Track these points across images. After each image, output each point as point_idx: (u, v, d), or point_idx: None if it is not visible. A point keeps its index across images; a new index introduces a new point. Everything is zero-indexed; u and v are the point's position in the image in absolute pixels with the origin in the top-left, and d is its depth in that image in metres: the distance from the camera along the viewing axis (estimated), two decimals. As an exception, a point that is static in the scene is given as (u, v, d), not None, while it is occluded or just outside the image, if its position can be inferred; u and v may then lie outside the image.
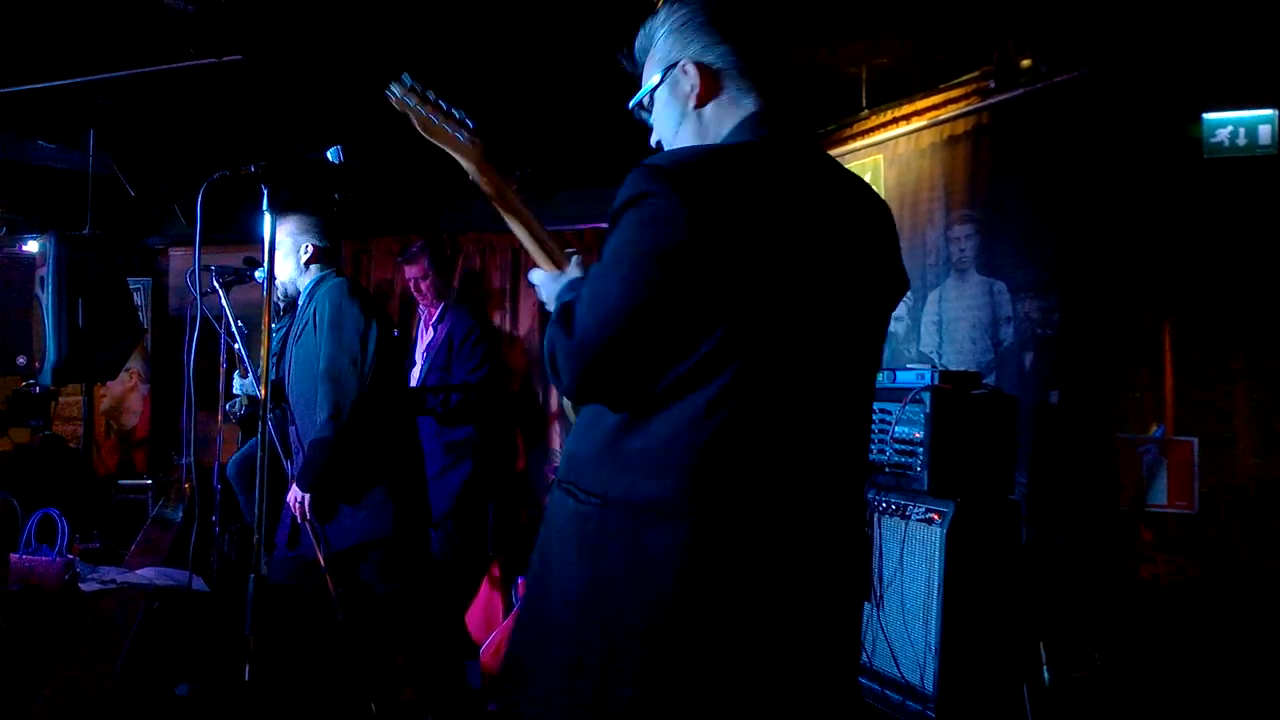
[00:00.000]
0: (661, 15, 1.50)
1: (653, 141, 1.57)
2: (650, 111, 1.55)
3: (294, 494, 2.96)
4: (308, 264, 3.15)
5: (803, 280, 1.36)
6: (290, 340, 3.15)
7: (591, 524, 1.36)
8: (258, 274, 3.36)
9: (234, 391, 3.82)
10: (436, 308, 4.61)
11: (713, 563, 1.32)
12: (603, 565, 1.35)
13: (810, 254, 1.36)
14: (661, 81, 1.49)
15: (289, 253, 3.12)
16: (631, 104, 1.57)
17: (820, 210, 1.39)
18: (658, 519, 1.31)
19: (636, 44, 1.56)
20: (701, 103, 1.47)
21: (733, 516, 1.33)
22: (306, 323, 3.05)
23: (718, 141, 1.46)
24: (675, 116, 1.49)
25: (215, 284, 3.39)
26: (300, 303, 3.17)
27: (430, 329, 4.63)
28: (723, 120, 1.46)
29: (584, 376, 1.34)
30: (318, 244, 3.15)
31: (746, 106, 1.45)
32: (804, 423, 1.38)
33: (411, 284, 4.65)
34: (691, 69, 1.45)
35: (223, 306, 3.40)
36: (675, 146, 1.50)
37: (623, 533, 1.33)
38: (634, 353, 1.32)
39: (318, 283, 3.12)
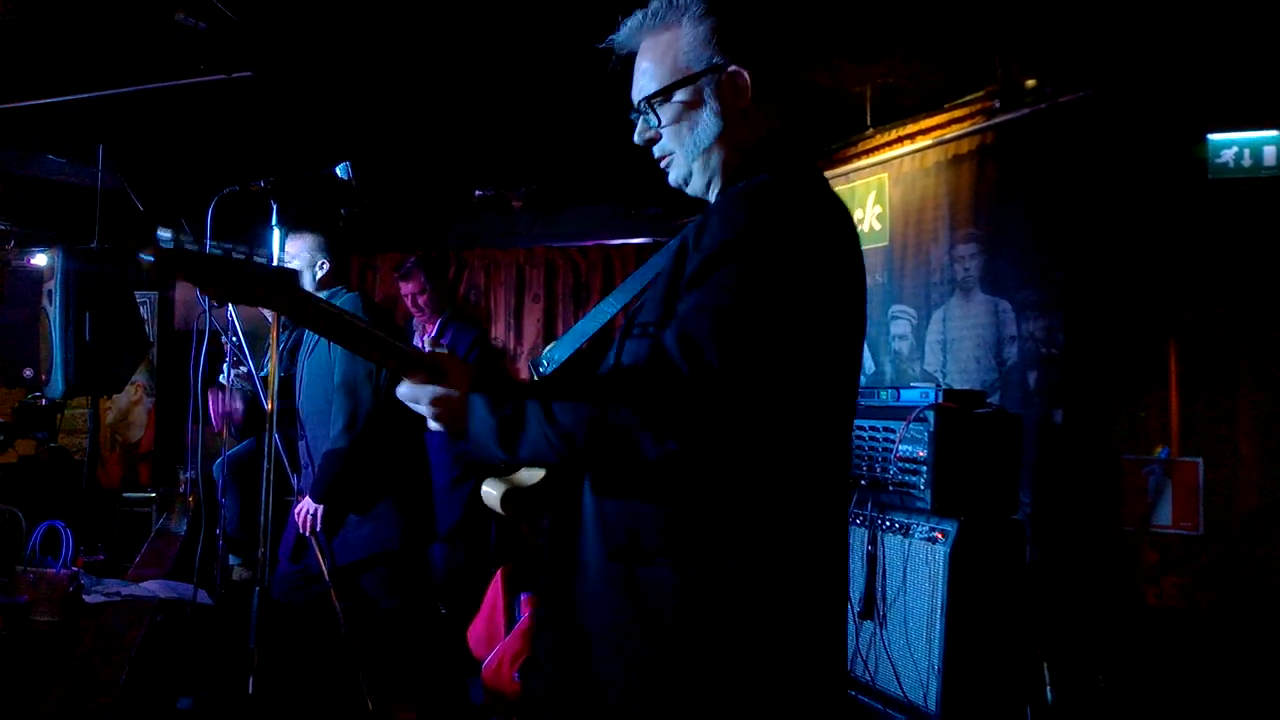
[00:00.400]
0: (690, 8, 1.39)
1: (639, 138, 1.45)
2: (661, 108, 1.40)
3: (306, 505, 2.96)
4: (323, 281, 3.18)
5: (859, 308, 1.38)
6: (302, 354, 3.17)
7: (701, 595, 1.27)
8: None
9: (221, 381, 3.83)
10: (434, 323, 4.63)
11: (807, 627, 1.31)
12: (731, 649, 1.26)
13: (860, 281, 1.39)
14: (694, 83, 1.38)
15: (305, 267, 3.16)
16: (647, 94, 1.40)
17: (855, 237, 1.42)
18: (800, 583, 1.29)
19: (633, 22, 1.42)
20: (744, 114, 1.39)
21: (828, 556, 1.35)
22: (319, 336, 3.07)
23: (745, 156, 1.40)
24: (712, 125, 1.38)
25: (223, 295, 3.39)
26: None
27: (426, 343, 4.64)
28: (754, 135, 1.40)
29: (711, 430, 1.19)
30: (331, 260, 3.19)
31: (773, 123, 1.41)
32: (844, 451, 1.42)
33: (409, 299, 4.67)
34: (745, 79, 1.37)
35: (230, 319, 3.41)
36: (707, 157, 1.40)
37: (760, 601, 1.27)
38: (773, 395, 1.22)
39: (330, 297, 3.14)
